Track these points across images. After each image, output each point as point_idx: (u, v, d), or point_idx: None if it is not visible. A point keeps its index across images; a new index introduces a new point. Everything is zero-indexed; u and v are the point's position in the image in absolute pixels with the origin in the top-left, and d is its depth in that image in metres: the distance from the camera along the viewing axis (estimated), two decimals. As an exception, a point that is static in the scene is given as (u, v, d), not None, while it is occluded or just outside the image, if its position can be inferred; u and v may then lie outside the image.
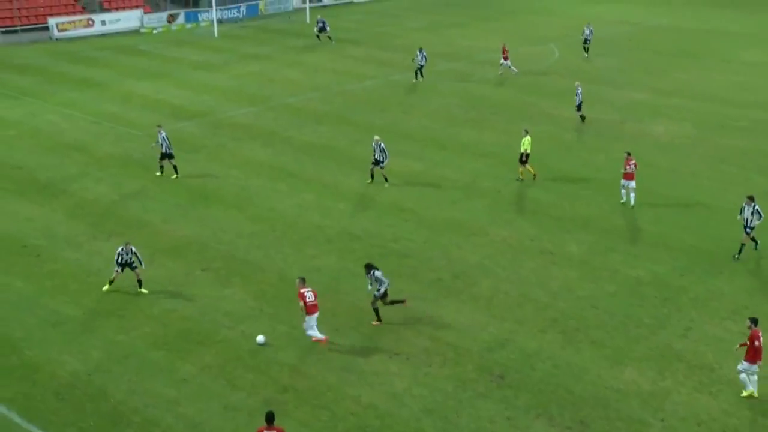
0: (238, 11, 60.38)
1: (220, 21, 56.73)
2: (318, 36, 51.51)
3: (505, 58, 42.40)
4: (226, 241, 23.47)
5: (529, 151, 27.69)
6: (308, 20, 58.44)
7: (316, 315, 18.20)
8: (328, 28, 51.28)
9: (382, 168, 27.44)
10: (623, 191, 25.83)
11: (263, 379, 17.13)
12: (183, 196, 26.77)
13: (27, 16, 54.04)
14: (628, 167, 25.38)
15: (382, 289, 18.87)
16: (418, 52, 41.41)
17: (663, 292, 20.66)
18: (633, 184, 25.48)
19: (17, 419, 15.91)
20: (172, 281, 21.17)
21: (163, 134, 27.86)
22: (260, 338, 18.41)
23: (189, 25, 57.73)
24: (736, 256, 22.34)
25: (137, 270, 20.55)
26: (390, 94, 39.28)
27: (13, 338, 18.65)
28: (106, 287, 20.65)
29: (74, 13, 55.68)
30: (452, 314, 19.62)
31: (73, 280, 21.29)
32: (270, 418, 13.78)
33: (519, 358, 17.92)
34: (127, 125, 34.13)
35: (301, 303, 18.02)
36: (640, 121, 34.83)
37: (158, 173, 28.30)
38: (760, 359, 16.22)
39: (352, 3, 68.53)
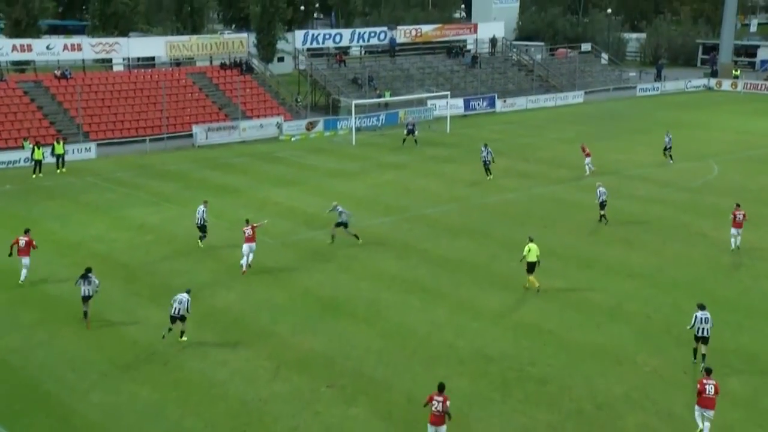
0: (378, 119, 62.45)
1: (358, 129, 58.76)
2: (404, 139, 53.70)
3: (587, 155, 44.05)
4: (354, 356, 23.54)
5: (534, 260, 27.74)
6: (448, 129, 59.66)
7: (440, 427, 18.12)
8: (416, 132, 53.62)
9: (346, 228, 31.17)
10: (732, 239, 30.50)
11: None
12: (313, 307, 27.23)
13: (174, 124, 57.93)
14: (737, 217, 30.37)
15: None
16: (483, 148, 44.48)
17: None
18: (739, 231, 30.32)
19: None
20: (297, 397, 21.31)
21: (202, 208, 33.01)
22: None
23: (327, 133, 60.09)
24: None
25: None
26: (531, 208, 39.13)
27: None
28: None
29: (218, 120, 59.27)
30: (594, 451, 18.71)
31: (197, 390, 21.80)
32: (441, 387, 18.25)
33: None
34: (260, 233, 35.35)
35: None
36: (811, 245, 33.07)
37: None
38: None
39: (494, 113, 69.68)
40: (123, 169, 48.40)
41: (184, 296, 24.63)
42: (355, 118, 58.15)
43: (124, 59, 64.81)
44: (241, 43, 68.10)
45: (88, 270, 26.12)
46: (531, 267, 28.27)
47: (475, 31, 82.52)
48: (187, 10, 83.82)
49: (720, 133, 59.13)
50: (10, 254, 29.16)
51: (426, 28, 79.82)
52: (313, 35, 73.69)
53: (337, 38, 75.00)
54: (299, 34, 72.80)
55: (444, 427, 18.28)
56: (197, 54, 66.72)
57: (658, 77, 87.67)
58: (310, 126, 60.45)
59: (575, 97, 76.50)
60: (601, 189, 36.19)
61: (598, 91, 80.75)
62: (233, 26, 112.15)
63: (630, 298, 27.75)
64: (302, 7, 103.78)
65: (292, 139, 58.45)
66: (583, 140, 55.17)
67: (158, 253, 32.93)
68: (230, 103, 62.46)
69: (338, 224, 33.18)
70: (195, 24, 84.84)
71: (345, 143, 56.27)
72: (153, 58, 69.24)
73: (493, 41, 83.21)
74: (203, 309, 27.09)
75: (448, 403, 18.29)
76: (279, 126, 59.29)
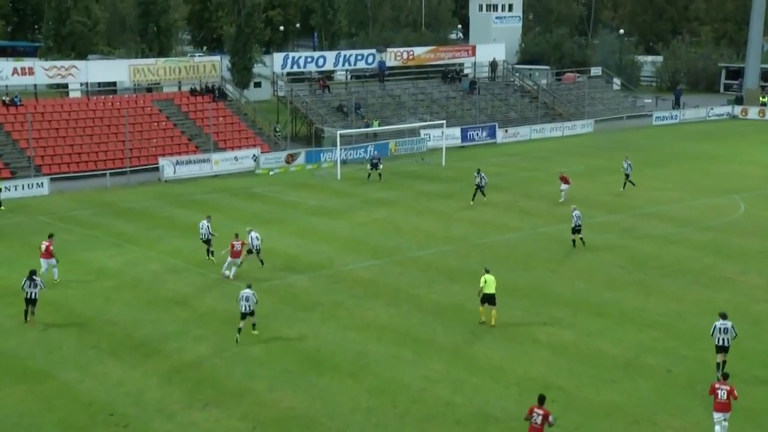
0: (365, 151, 62.76)
1: (344, 162, 59.04)
2: (369, 174, 54.77)
3: (565, 182, 46.51)
4: (339, 416, 23.45)
5: (492, 292, 29.23)
6: (444, 162, 60.01)
7: None
8: (380, 166, 54.81)
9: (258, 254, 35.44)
10: None
11: None
12: (293, 360, 27.14)
13: (138, 157, 58.06)
14: None
15: None
16: (476, 174, 47.69)
17: None
18: None
19: None
20: (274, 462, 21.17)
21: (205, 223, 36.66)
22: None
23: (309, 166, 60.33)
24: None
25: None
26: (536, 249, 39.26)
27: None
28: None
29: (187, 152, 59.45)
30: None
31: (162, 454, 21.63)
32: (542, 399, 20.51)
33: None
34: (234, 277, 35.32)
35: None
36: None
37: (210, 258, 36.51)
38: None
39: (495, 144, 70.15)
40: (80, 207, 48.38)
41: (248, 292, 28.38)
42: (341, 149, 58.46)
43: (81, 84, 65.21)
44: (213, 66, 68.60)
45: (33, 272, 29.84)
46: (488, 299, 29.48)
47: (474, 54, 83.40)
48: (153, 30, 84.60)
49: (746, 166, 59.62)
50: None
51: (419, 51, 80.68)
52: (293, 58, 74.41)
53: (321, 61, 75.68)
54: (278, 57, 73.50)
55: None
56: (164, 79, 67.07)
57: (677, 104, 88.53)
58: (291, 158, 60.71)
59: (584, 127, 77.15)
60: (576, 213, 38.67)
61: (610, 120, 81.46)
62: (204, 48, 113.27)
63: (648, 350, 27.76)
64: (281, 28, 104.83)
65: (270, 173, 58.65)
66: (592, 174, 55.57)
67: (119, 301, 32.82)
68: (201, 133, 62.75)
69: (249, 251, 35.88)
70: (162, 45, 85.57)
71: (329, 178, 56.48)
72: (114, 84, 69.61)
73: (493, 65, 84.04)
74: (170, 363, 26.97)
75: (550, 418, 20.44)
76: (255, 159, 59.53)
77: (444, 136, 63.26)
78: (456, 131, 69.24)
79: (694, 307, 31.67)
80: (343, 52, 79.57)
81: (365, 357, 27.41)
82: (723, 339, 24.25)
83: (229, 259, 34.87)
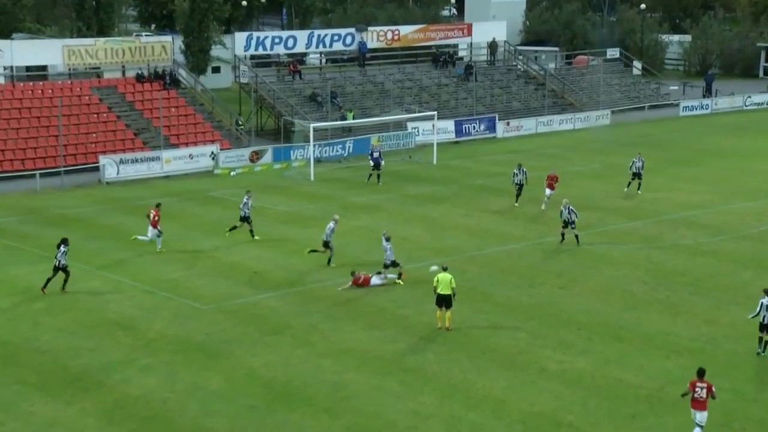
0: (343, 147, 62.81)
1: (318, 160, 59.07)
2: (370, 174, 54.78)
3: (551, 187, 47.02)
4: (313, 460, 23.45)
5: (448, 293, 31.01)
6: (435, 160, 60.13)
7: None
8: (383, 164, 54.81)
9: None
10: None
11: None
12: (258, 394, 27.10)
13: (74, 155, 57.88)
14: None
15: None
16: (516, 170, 49.01)
17: None
18: None
19: None
20: None
21: (247, 200, 42.16)
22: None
23: (278, 165, 60.32)
24: None
25: None
26: (543, 262, 39.41)
27: None
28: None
29: (133, 149, 59.33)
30: None
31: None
32: (701, 372, 23.37)
33: None
34: (189, 296, 35.27)
35: None
36: None
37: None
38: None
39: (495, 139, 70.35)
40: (3, 214, 48.23)
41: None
42: (314, 146, 58.46)
43: (5, 68, 64.89)
44: (163, 48, 68.52)
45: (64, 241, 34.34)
46: (443, 301, 31.09)
47: (469, 34, 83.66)
48: (91, 4, 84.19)
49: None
50: None
51: (405, 30, 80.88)
52: (258, 39, 74.29)
53: (290, 43, 75.68)
54: (240, 37, 73.41)
55: (705, 413, 23.29)
56: (105, 62, 66.93)
57: (708, 92, 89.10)
58: (255, 156, 60.69)
59: (600, 118, 77.55)
60: (569, 207, 41.11)
61: (630, 110, 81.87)
62: (153, 27, 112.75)
63: (675, 380, 27.80)
64: (244, 2, 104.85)
65: (232, 173, 58.61)
66: (608, 174, 55.76)
67: (51, 326, 32.67)
68: (150, 127, 62.70)
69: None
70: (102, 23, 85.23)
71: (301, 179, 56.49)
72: (45, 68, 69.36)
73: (493, 46, 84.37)
74: (112, 399, 26.86)
75: (713, 388, 23.22)
76: (214, 157, 59.51)
77: (435, 130, 63.47)
78: (449, 124, 69.49)
79: (728, 329, 31.80)
80: (316, 32, 79.58)
81: (343, 389, 27.39)
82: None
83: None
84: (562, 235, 41.37)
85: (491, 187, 53.06)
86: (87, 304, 34.68)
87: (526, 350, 29.85)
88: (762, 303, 28.51)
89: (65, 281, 35.73)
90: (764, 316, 28.34)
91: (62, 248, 35.57)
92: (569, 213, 41.00)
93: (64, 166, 56.02)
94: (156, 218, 40.78)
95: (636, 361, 29.27)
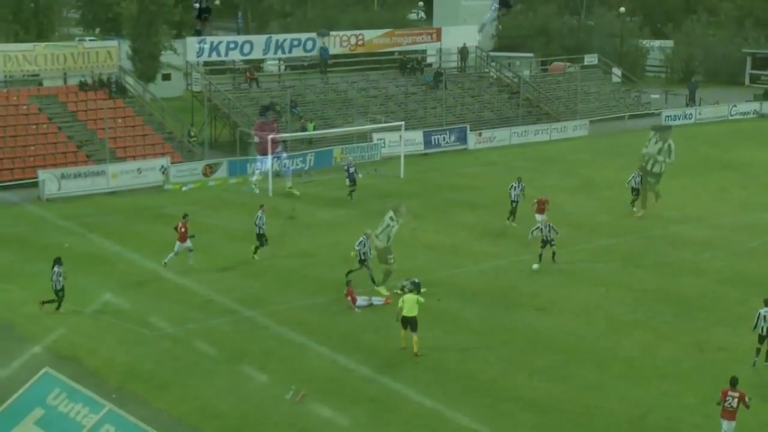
0: (303, 160, 62.65)
1: (277, 174, 58.84)
2: (351, 191, 54.47)
3: (541, 212, 45.39)
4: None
5: (412, 315, 31.24)
6: (402, 173, 60.11)
7: None
8: (358, 177, 54.75)
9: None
10: None
11: None
12: (214, 428, 26.84)
13: (10, 169, 57.38)
14: None
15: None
16: (516, 184, 48.20)
17: None
18: None
19: None
20: None
21: (260, 214, 42.45)
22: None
23: (233, 180, 60.07)
24: None
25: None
26: (519, 282, 39.39)
27: None
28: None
29: (76, 163, 58.87)
30: None
31: None
32: (734, 381, 24.43)
33: None
34: (136, 322, 34.97)
35: None
36: None
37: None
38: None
39: (466, 150, 70.42)
40: (-64, 234, 47.77)
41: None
42: (273, 158, 58.25)
43: (-66, 76, 64.33)
44: (108, 53, 68.15)
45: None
46: (407, 323, 31.51)
47: (439, 38, 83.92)
48: (29, 7, 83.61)
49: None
50: None
51: (370, 35, 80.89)
52: (212, 44, 73.95)
53: (247, 48, 75.45)
54: (192, 42, 73.10)
55: (733, 423, 24.45)
56: (45, 69, 66.44)
57: (691, 100, 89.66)
58: (209, 170, 60.41)
59: (577, 128, 77.85)
60: (551, 225, 41.43)
61: (609, 120, 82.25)
62: (97, 31, 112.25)
63: (658, 407, 27.90)
64: (197, 5, 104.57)
65: (184, 188, 58.27)
66: (588, 188, 55.93)
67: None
68: (94, 139, 62.25)
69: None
70: (42, 27, 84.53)
71: (259, 194, 56.23)
72: (-21, 75, 68.86)
73: (464, 52, 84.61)
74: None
75: (746, 398, 24.38)
76: (164, 171, 59.15)
77: (402, 142, 63.36)
78: (417, 135, 69.43)
79: (716, 354, 31.90)
80: (274, 37, 79.25)
81: (304, 420, 27.23)
82: (766, 328, 26.99)
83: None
84: (540, 256, 41.19)
85: (463, 202, 53.02)
86: (23, 332, 34.24)
87: (500, 377, 29.77)
88: (759, 314, 29.78)
89: (59, 304, 35.88)
90: (763, 327, 29.57)
91: (56, 269, 35.58)
92: (549, 230, 41.07)
93: (0, 182, 55.47)
94: (183, 230, 40.87)
95: (617, 388, 29.28)
